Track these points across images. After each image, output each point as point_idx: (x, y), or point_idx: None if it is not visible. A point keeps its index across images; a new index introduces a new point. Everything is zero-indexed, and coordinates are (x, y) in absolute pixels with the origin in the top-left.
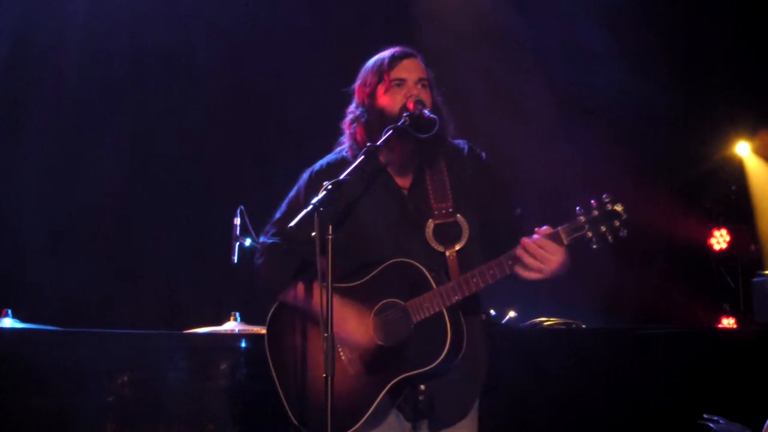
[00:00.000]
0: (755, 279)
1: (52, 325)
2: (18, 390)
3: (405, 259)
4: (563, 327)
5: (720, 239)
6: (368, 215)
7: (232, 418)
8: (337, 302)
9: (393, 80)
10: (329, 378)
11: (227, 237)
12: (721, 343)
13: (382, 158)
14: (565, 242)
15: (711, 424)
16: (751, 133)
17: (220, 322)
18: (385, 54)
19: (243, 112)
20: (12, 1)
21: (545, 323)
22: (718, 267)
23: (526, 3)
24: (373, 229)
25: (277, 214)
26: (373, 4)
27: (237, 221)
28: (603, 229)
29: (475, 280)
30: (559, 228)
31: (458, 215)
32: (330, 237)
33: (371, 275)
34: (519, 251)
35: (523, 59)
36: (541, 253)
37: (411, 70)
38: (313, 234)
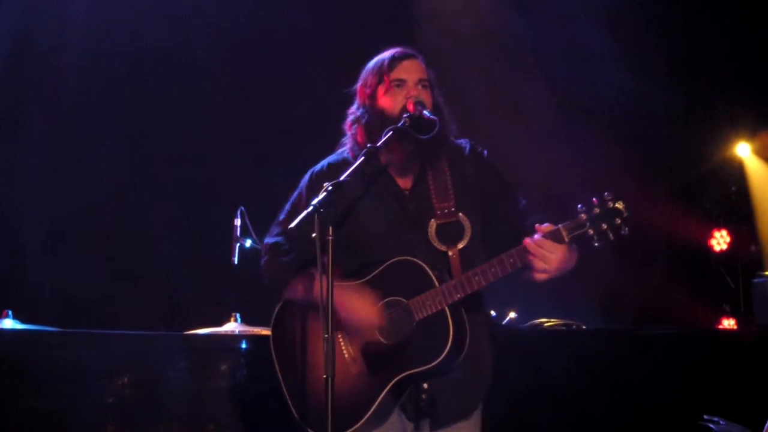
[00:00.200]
0: (755, 280)
1: (52, 325)
2: (18, 391)
3: (408, 257)
4: (563, 328)
5: (720, 240)
6: (370, 216)
7: (232, 419)
8: (340, 301)
9: (393, 81)
10: (329, 379)
11: (227, 238)
12: (722, 344)
13: (383, 159)
14: (566, 240)
15: (711, 425)
16: (752, 133)
17: (220, 323)
18: (386, 55)
19: (243, 113)
20: (12, 1)
21: (545, 324)
22: (719, 268)
23: (526, 3)
24: (375, 229)
25: (280, 215)
26: (373, 5)
27: (237, 222)
28: (604, 226)
29: (477, 278)
30: (560, 225)
31: (460, 214)
32: (330, 238)
33: (374, 273)
34: (521, 251)
35: (523, 60)
36: (542, 252)
37: (411, 71)
38: (314, 235)
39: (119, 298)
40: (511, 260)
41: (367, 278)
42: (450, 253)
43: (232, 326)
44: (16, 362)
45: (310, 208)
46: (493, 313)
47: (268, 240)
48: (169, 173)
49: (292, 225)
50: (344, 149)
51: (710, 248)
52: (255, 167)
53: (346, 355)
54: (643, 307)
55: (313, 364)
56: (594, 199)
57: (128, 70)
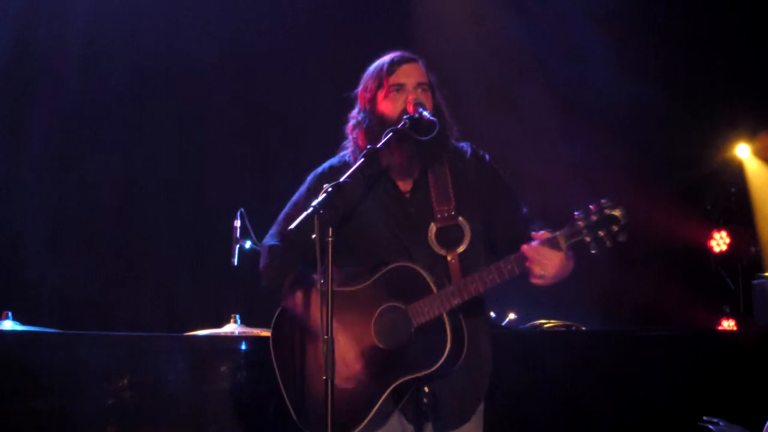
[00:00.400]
0: (755, 281)
1: (52, 327)
2: (18, 392)
3: (406, 264)
4: (563, 329)
5: (720, 241)
6: (370, 219)
7: (233, 421)
8: (339, 307)
9: (392, 85)
10: (329, 380)
11: (227, 239)
12: (721, 345)
13: (384, 161)
14: (563, 247)
15: (711, 426)
16: (751, 135)
17: (220, 325)
18: (386, 59)
19: (243, 114)
20: (12, 1)
21: (545, 325)
22: (718, 269)
23: (525, 5)
24: (375, 232)
25: (280, 216)
26: (374, 9)
27: (237, 223)
28: (601, 233)
29: (474, 284)
30: (557, 233)
31: (460, 218)
32: (330, 239)
33: (373, 279)
34: (518, 258)
35: (523, 61)
36: (539, 259)
37: (410, 75)
38: (314, 236)
39: (119, 300)
40: (509, 267)
41: (366, 284)
42: (449, 258)
43: (232, 327)
44: (16, 363)
45: (310, 209)
46: (492, 314)
47: (268, 242)
48: (169, 174)
49: (292, 227)
50: (346, 152)
51: (710, 249)
52: (255, 169)
53: (346, 361)
54: (643, 308)
55: (313, 367)
56: (591, 206)
57: (128, 71)
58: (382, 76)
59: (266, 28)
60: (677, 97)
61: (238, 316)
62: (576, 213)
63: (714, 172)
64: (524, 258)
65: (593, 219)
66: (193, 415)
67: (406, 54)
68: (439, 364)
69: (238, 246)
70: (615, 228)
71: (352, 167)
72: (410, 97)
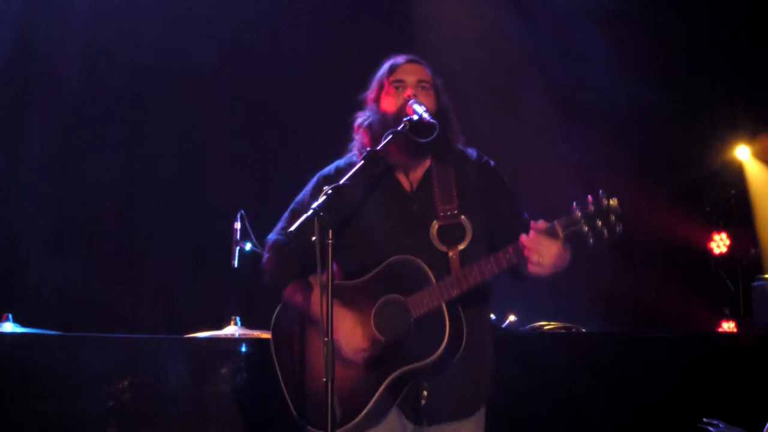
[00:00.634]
0: (755, 283)
1: (52, 328)
2: (19, 394)
3: (406, 256)
4: (563, 331)
5: (720, 243)
6: (373, 217)
7: (233, 423)
8: (339, 300)
9: (393, 83)
10: (329, 382)
11: (227, 241)
12: (721, 347)
13: (389, 161)
14: (561, 236)
15: (711, 428)
16: (751, 136)
17: (220, 327)
18: (391, 60)
19: (244, 116)
20: (12, 2)
21: (545, 327)
22: (718, 271)
23: (525, 5)
24: (378, 230)
25: (286, 213)
26: (373, 8)
27: (237, 225)
28: (599, 223)
29: (473, 274)
30: (555, 222)
31: (463, 217)
32: (330, 242)
33: (373, 273)
34: (516, 247)
35: (523, 62)
36: (537, 247)
37: (411, 73)
38: (314, 238)
39: (119, 302)
40: (507, 256)
41: (366, 278)
42: (450, 254)
43: (232, 329)
44: (16, 365)
45: (310, 211)
46: (492, 316)
47: (271, 237)
48: (170, 176)
49: (292, 229)
50: (353, 153)
51: (710, 251)
52: (255, 170)
53: (345, 353)
54: (643, 310)
55: (312, 362)
56: (589, 197)
57: (129, 72)
58: (384, 76)
59: (266, 28)
60: (677, 98)
61: (238, 318)
62: (574, 203)
63: (714, 174)
64: (522, 246)
65: (591, 209)
66: (193, 417)
67: (411, 56)
68: (436, 354)
69: (238, 248)
70: (612, 218)
71: (352, 169)
72: (408, 91)
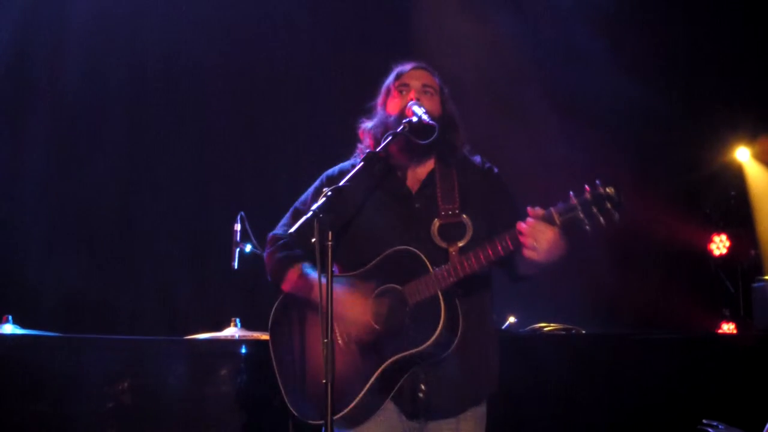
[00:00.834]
0: (755, 284)
1: (52, 329)
2: (18, 395)
3: (404, 247)
4: (563, 332)
5: (720, 244)
6: (374, 216)
7: (233, 424)
8: (337, 290)
9: (398, 87)
10: (329, 384)
11: (228, 243)
12: (721, 348)
13: (392, 162)
14: (558, 222)
15: (710, 430)
16: (751, 138)
17: (220, 328)
18: (399, 67)
19: (244, 117)
20: (12, 3)
21: (545, 329)
22: (718, 272)
23: (525, 7)
24: (379, 227)
25: (290, 210)
26: (373, 10)
27: (237, 227)
28: (595, 210)
29: (469, 261)
30: (552, 208)
31: (464, 216)
32: (330, 243)
33: (371, 264)
34: (513, 233)
35: (522, 63)
36: (534, 232)
37: (416, 78)
38: (313, 240)
39: (119, 303)
40: (504, 243)
41: (365, 269)
42: (450, 250)
43: (232, 331)
44: (16, 367)
45: (310, 213)
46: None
47: (274, 232)
48: (170, 177)
49: (292, 230)
50: (358, 155)
51: (710, 252)
52: (255, 172)
53: (340, 341)
54: (643, 312)
55: (308, 355)
56: (586, 185)
57: (128, 72)
58: (391, 81)
59: (266, 28)
60: (677, 99)
61: (238, 320)
62: (571, 192)
63: (714, 175)
64: (519, 233)
65: (587, 196)
66: (193, 419)
67: (419, 63)
68: (430, 341)
69: (238, 249)
70: (608, 205)
71: (353, 170)
72: (412, 94)
